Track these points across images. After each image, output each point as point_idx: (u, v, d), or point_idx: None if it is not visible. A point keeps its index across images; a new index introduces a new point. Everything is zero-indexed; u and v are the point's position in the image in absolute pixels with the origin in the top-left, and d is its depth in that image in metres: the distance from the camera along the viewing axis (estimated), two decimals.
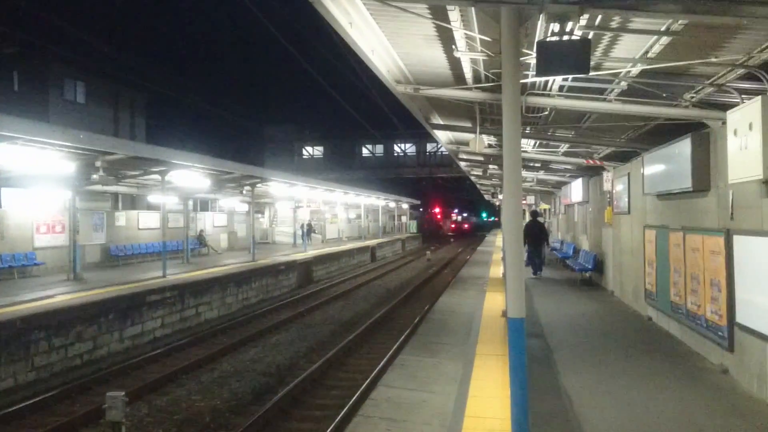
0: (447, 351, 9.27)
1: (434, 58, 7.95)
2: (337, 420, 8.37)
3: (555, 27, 4.93)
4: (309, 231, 35.30)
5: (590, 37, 5.97)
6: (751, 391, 6.98)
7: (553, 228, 33.05)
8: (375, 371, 10.86)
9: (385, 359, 11.71)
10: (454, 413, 6.39)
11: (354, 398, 9.33)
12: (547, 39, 5.15)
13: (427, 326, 11.42)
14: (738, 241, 7.13)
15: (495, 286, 16.75)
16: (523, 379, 4.73)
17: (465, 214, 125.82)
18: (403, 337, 13.70)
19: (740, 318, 7.13)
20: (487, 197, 49.69)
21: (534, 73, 7.16)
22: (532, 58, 6.50)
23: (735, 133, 6.48)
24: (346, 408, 8.86)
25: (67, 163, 14.33)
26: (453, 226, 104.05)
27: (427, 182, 75.20)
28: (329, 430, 8.03)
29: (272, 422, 8.83)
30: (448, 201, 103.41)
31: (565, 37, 5.08)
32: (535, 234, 19.00)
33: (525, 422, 4.70)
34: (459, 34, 6.46)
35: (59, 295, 13.66)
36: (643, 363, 8.48)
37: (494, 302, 13.67)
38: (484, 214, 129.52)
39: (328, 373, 11.48)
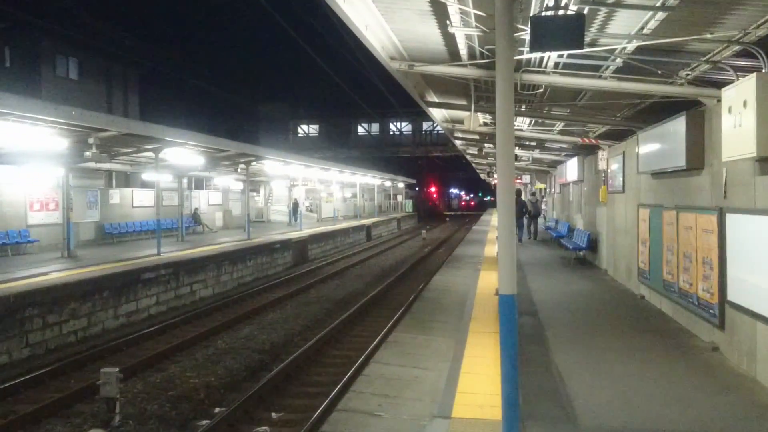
0: (440, 329, 9.33)
1: (429, 34, 7.88)
2: (330, 396, 8.43)
3: (550, 1, 4.87)
4: (296, 209, 35.10)
5: (585, 12, 5.91)
6: (740, 368, 7.04)
7: (548, 207, 33.16)
8: (369, 349, 10.91)
9: (379, 337, 11.76)
10: (445, 389, 6.43)
11: (348, 375, 9.39)
12: (542, 14, 5.10)
13: (421, 304, 11.47)
14: (730, 219, 7.14)
15: (489, 264, 16.80)
16: (513, 355, 4.75)
17: (463, 194, 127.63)
18: (397, 315, 13.76)
19: (731, 296, 7.16)
20: (483, 176, 49.66)
21: (529, 49, 7.10)
22: (526, 34, 6.43)
23: (729, 110, 6.45)
24: (340, 384, 8.91)
25: (59, 140, 14.21)
26: (463, 204, 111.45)
27: (423, 161, 75.10)
28: (322, 406, 8.07)
29: (266, 399, 8.88)
30: (445, 180, 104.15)
31: (561, 12, 5.03)
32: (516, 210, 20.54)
33: (515, 398, 4.73)
34: (453, 9, 6.39)
35: (53, 273, 13.64)
36: (634, 340, 8.54)
37: (488, 281, 13.72)
38: (479, 193, 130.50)
39: (323, 350, 11.53)
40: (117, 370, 7.91)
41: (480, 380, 6.68)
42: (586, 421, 5.59)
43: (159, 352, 11.07)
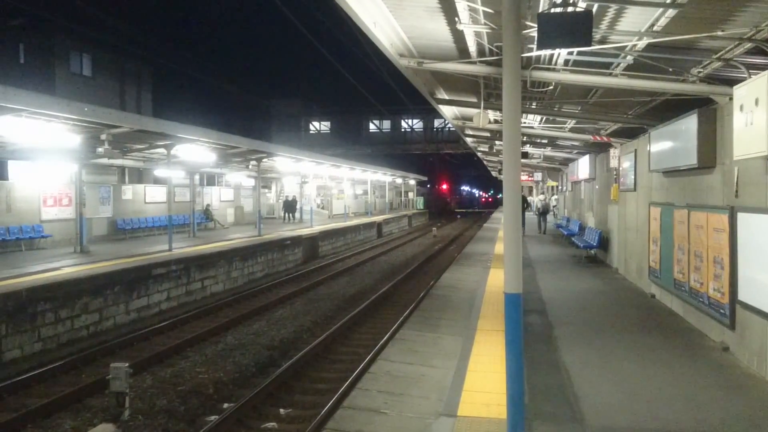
0: (448, 326, 9.30)
1: (438, 31, 7.85)
2: (338, 393, 8.45)
3: None
4: (292, 206, 34.97)
5: (594, 8, 5.86)
6: (750, 368, 6.98)
7: (559, 205, 33.01)
8: (377, 346, 10.92)
9: (388, 334, 11.77)
10: (452, 387, 6.42)
11: (356, 372, 9.40)
12: (550, 11, 5.06)
13: (430, 302, 11.45)
14: (742, 218, 7.07)
15: (500, 262, 16.74)
16: (519, 353, 4.74)
17: (476, 191, 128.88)
18: (406, 312, 13.75)
19: (742, 296, 7.10)
20: (494, 174, 49.52)
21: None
22: (535, 31, 6.40)
23: (741, 108, 6.38)
24: (348, 382, 8.93)
25: (72, 136, 14.34)
26: (483, 200, 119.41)
27: (434, 158, 74.97)
28: (330, 403, 8.09)
29: (275, 395, 8.91)
30: (456, 177, 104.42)
31: (569, 9, 4.99)
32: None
33: (520, 396, 4.72)
34: (461, 6, 6.36)
35: (66, 267, 13.77)
36: (643, 340, 8.49)
37: (498, 278, 13.67)
38: (491, 191, 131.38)
39: (332, 347, 11.55)
40: (126, 364, 7.98)
41: (487, 378, 6.66)
42: (592, 421, 5.56)
43: (169, 348, 11.14)
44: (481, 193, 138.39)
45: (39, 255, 16.55)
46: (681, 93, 8.36)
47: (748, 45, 6.38)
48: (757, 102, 5.95)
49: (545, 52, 7.87)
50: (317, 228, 28.79)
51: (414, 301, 15.15)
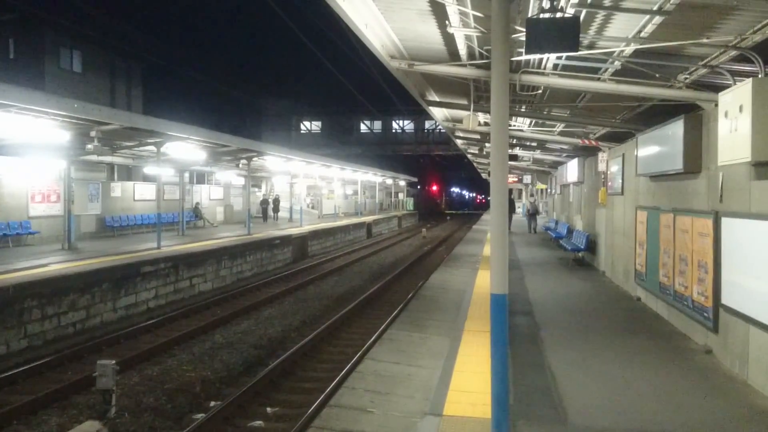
0: (436, 327, 9.37)
1: (428, 34, 7.91)
2: (325, 393, 8.47)
3: (546, 3, 4.90)
4: (273, 207, 34.72)
5: (583, 14, 5.94)
6: (732, 372, 7.07)
7: (548, 207, 33.21)
8: (365, 346, 10.95)
9: (376, 334, 11.80)
10: (438, 387, 6.47)
11: (344, 371, 9.42)
12: (539, 16, 5.12)
13: (418, 302, 11.51)
14: (726, 223, 7.16)
15: (488, 263, 16.77)
16: (504, 354, 4.79)
17: (466, 193, 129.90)
18: (395, 312, 13.79)
19: (725, 300, 7.19)
20: (484, 176, 49.69)
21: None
22: (524, 35, 6.46)
23: (726, 115, 6.48)
24: (336, 381, 8.95)
25: (61, 133, 14.26)
26: (478, 201, 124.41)
27: (425, 159, 75.14)
28: (317, 402, 8.12)
29: (262, 393, 8.93)
30: (446, 179, 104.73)
31: (558, 15, 5.05)
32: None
33: (505, 396, 4.77)
34: (452, 9, 6.42)
35: (53, 264, 13.70)
36: (628, 342, 8.58)
37: (486, 280, 13.68)
38: (481, 193, 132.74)
39: (319, 346, 11.57)
40: (113, 362, 7.96)
41: (473, 378, 6.72)
42: (576, 421, 5.63)
43: (156, 346, 11.13)
44: (474, 194, 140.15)
45: (26, 251, 16.46)
46: (668, 99, 8.46)
47: (734, 52, 6.48)
48: (741, 109, 6.04)
49: (535, 56, 7.95)
50: (307, 227, 28.78)
51: (402, 301, 15.19)
